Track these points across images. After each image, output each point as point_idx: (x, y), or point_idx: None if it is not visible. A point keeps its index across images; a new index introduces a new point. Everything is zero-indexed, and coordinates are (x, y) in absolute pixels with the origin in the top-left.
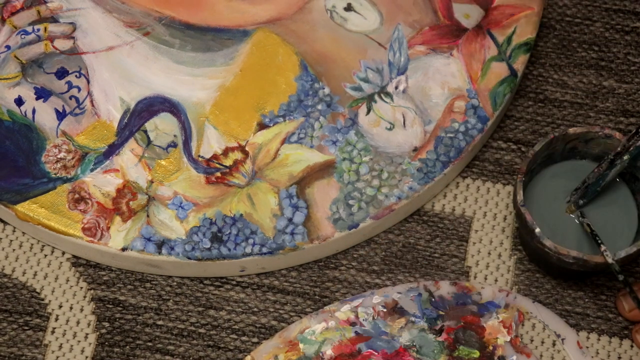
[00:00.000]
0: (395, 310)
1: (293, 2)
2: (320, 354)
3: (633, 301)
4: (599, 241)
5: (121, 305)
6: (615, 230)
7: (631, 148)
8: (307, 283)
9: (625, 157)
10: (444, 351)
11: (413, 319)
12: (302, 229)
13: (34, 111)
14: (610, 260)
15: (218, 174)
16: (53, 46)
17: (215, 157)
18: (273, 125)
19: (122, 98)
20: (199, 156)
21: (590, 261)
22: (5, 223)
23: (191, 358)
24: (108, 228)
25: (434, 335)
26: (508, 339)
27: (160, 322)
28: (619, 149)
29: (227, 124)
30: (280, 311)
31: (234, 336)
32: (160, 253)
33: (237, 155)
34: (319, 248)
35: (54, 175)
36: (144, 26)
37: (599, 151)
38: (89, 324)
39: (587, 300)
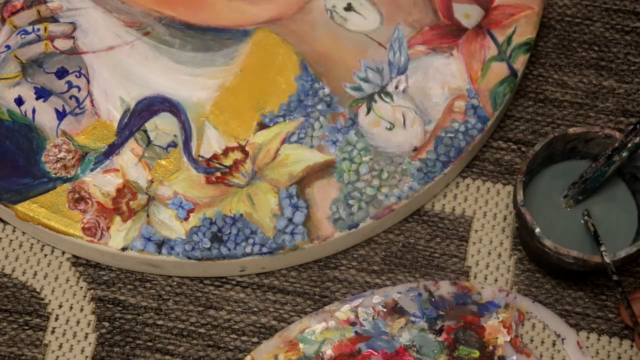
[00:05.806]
0: (395, 310)
1: (293, 2)
2: (320, 354)
3: (623, 303)
4: (600, 241)
5: (121, 305)
6: (615, 230)
7: (629, 144)
8: (307, 283)
9: (624, 154)
10: (444, 351)
11: (413, 319)
12: (302, 229)
13: (34, 111)
14: (607, 261)
15: (218, 174)
16: (53, 46)
17: (215, 157)
18: (273, 125)
19: (122, 98)
20: (199, 156)
21: (590, 261)
22: (5, 223)
23: (191, 358)
24: (108, 228)
25: (434, 335)
26: (508, 339)
27: (160, 322)
28: (616, 144)
29: (227, 124)
30: (280, 311)
31: (234, 336)
32: (160, 253)
33: (237, 155)
34: (319, 248)
35: (54, 175)
36: (144, 26)
37: (599, 151)
38: (89, 324)
39: (587, 300)
